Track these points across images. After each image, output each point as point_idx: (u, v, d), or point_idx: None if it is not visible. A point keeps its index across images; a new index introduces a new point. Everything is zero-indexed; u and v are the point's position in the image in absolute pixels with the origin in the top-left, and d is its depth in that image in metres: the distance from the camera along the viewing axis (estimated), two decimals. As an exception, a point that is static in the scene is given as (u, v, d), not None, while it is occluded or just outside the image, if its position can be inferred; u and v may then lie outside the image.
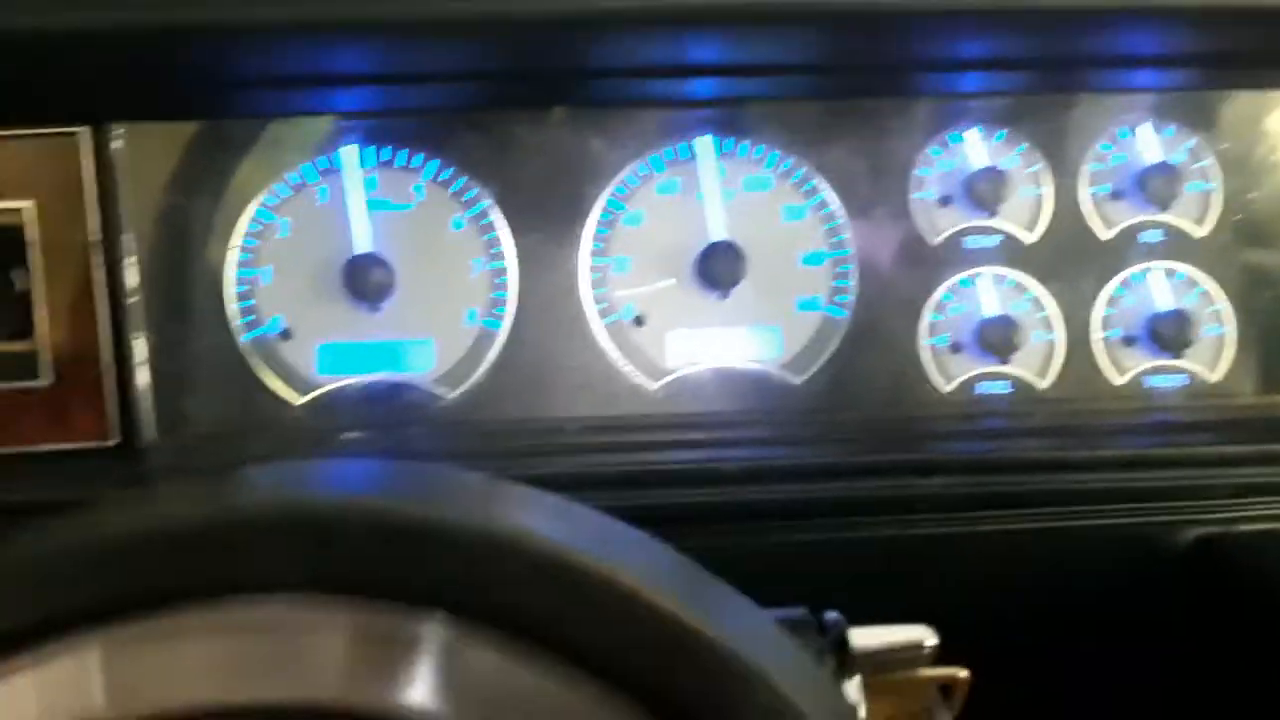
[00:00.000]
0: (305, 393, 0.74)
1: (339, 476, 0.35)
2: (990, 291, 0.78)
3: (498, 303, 0.75)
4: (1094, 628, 0.73)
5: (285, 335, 0.74)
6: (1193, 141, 0.78)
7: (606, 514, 0.37)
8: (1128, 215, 0.78)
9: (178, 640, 0.28)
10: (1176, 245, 0.78)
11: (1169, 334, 0.77)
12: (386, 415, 0.74)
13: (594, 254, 0.76)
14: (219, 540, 0.28)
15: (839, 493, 0.68)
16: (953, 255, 0.78)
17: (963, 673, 0.50)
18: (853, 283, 0.77)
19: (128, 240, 0.71)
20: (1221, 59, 0.76)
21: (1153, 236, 0.78)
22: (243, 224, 0.73)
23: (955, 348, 0.77)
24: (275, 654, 0.28)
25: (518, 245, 0.75)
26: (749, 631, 0.31)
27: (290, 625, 0.28)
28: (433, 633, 0.28)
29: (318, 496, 0.30)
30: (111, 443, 0.70)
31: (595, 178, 0.76)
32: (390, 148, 0.74)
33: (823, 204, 0.77)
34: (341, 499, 0.30)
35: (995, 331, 0.77)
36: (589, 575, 0.29)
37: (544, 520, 0.32)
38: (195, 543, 0.28)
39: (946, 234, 0.78)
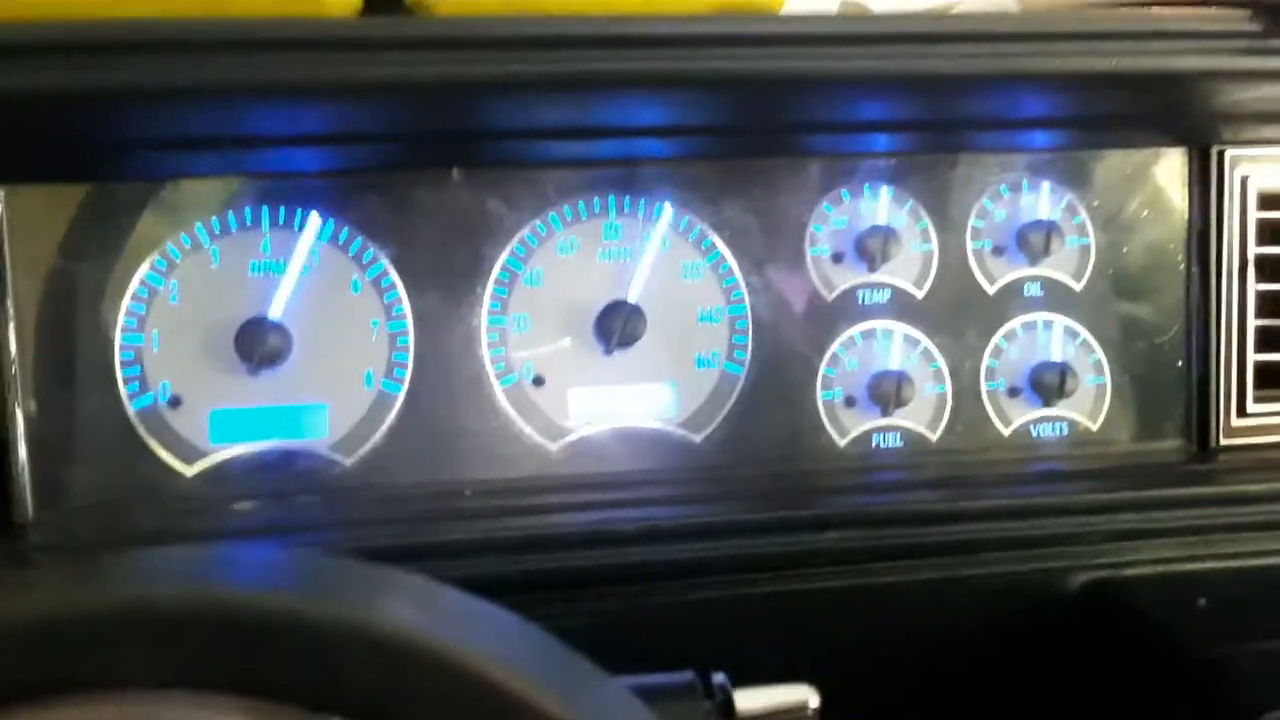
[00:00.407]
0: (195, 461, 0.72)
1: (225, 568, 0.34)
2: (883, 346, 0.80)
3: (397, 364, 0.75)
4: (986, 675, 0.75)
5: (174, 403, 0.72)
6: (1068, 199, 0.82)
7: (496, 605, 0.36)
8: (1010, 270, 0.82)
9: None
10: (1056, 298, 0.82)
11: (1051, 384, 0.80)
12: (281, 483, 0.73)
13: (492, 314, 0.76)
14: (129, 631, 0.27)
15: (735, 550, 0.69)
16: (846, 310, 0.80)
17: (845, 731, 0.50)
18: (749, 339, 0.79)
19: (8, 306, 0.69)
20: (1094, 121, 0.80)
21: (1034, 290, 0.82)
22: (131, 288, 0.72)
23: (849, 401, 0.79)
24: None
25: (416, 306, 0.75)
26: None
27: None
28: None
29: (229, 593, 0.29)
30: (-14, 520, 0.68)
31: (494, 238, 0.76)
32: (286, 208, 0.74)
33: (720, 261, 0.79)
34: (252, 599, 0.29)
35: (888, 385, 0.79)
36: (489, 686, 0.29)
37: (441, 620, 0.31)
38: (86, 633, 0.27)
39: (840, 290, 0.80)
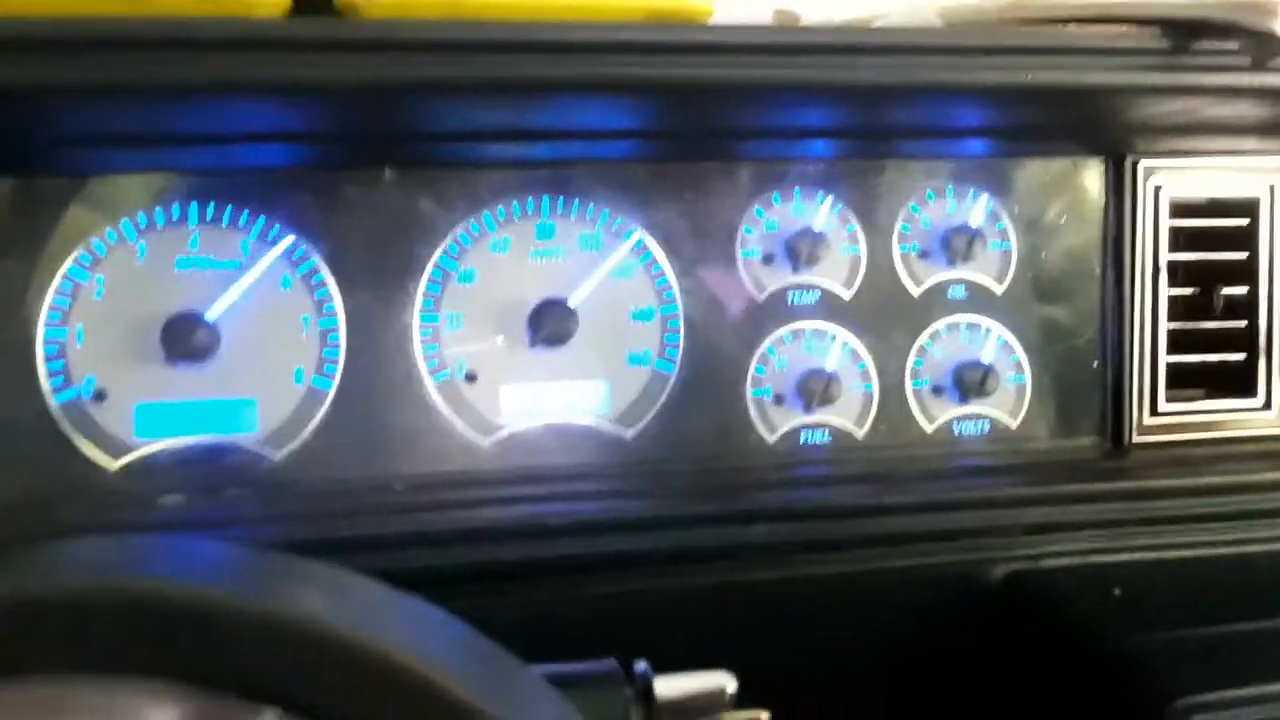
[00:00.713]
0: (120, 456, 0.72)
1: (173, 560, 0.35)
2: (811, 345, 0.82)
3: (328, 361, 0.75)
4: (909, 663, 0.77)
5: (99, 397, 0.71)
6: (991, 205, 0.84)
7: (412, 596, 0.37)
8: (935, 273, 0.84)
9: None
10: (979, 300, 0.84)
11: (973, 383, 0.82)
12: (208, 478, 0.73)
13: (425, 311, 0.76)
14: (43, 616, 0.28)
15: (665, 543, 0.70)
16: (776, 311, 0.82)
17: (764, 715, 0.52)
18: (681, 338, 0.80)
19: (-72, 299, 0.68)
20: (1015, 131, 0.82)
21: (958, 292, 0.84)
22: (55, 282, 0.71)
23: (778, 399, 0.81)
24: None
25: (347, 304, 0.75)
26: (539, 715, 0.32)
27: (124, 708, 0.28)
28: None
29: (139, 582, 0.30)
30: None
31: (426, 237, 0.76)
32: (215, 205, 0.73)
33: (652, 262, 0.80)
34: (172, 587, 0.29)
35: (816, 383, 0.80)
36: (400, 672, 0.29)
37: (355, 610, 0.32)
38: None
39: (770, 290, 0.81)
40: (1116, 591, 0.74)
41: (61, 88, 0.57)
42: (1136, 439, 0.85)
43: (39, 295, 0.71)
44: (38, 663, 0.28)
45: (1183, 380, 0.86)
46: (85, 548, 0.33)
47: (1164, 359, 0.85)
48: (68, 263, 0.71)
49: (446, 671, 0.29)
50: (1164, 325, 0.85)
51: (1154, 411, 0.85)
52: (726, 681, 0.50)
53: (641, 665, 0.50)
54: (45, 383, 0.71)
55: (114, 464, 0.72)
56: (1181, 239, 0.85)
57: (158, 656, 0.28)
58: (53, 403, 0.71)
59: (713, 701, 0.49)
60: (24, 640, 0.27)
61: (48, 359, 0.71)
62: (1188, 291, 0.85)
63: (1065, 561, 0.78)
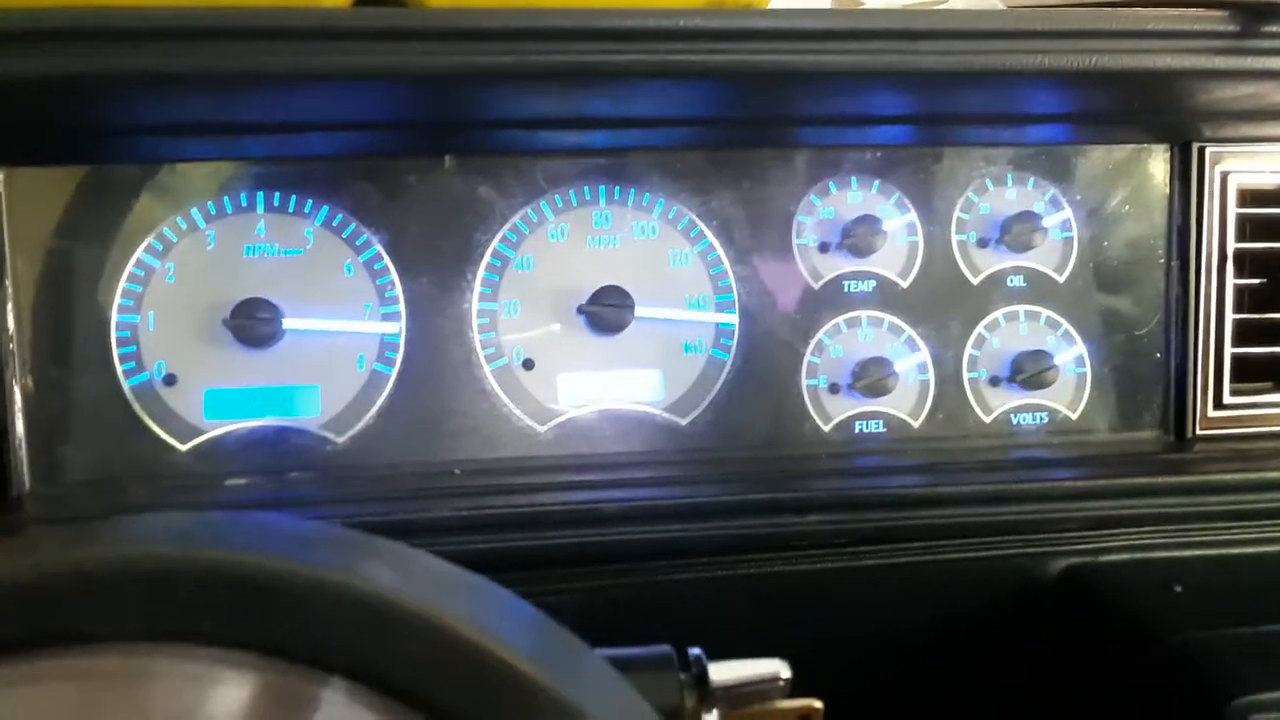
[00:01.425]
0: (190, 439, 0.74)
1: (242, 533, 0.36)
2: (867, 334, 0.81)
3: (389, 346, 0.76)
4: (963, 657, 0.77)
5: (169, 381, 0.73)
6: (1052, 192, 0.83)
7: (483, 569, 0.38)
8: (994, 261, 0.83)
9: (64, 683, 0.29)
10: (1039, 290, 0.83)
11: (1032, 374, 0.81)
12: (273, 461, 0.74)
13: (483, 298, 0.77)
14: (129, 587, 0.29)
15: (718, 531, 0.70)
16: (832, 299, 0.81)
17: (817, 704, 0.52)
18: (736, 326, 0.80)
19: (7, 284, 0.71)
20: (1078, 117, 0.81)
21: (1017, 281, 0.83)
22: (127, 268, 0.73)
23: (834, 388, 0.81)
24: (174, 699, 0.29)
25: (408, 290, 0.76)
26: (600, 693, 0.33)
27: (200, 675, 0.29)
28: (330, 696, 0.29)
29: (218, 552, 0.31)
30: (-15, 492, 0.69)
31: (485, 224, 0.77)
32: (281, 193, 0.75)
33: (708, 249, 0.80)
34: (240, 558, 0.30)
35: (871, 372, 0.80)
36: (466, 644, 0.30)
37: (422, 583, 0.33)
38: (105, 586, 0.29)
39: (826, 279, 0.81)
40: (1177, 588, 0.73)
41: (132, 77, 0.59)
42: (1199, 432, 0.84)
43: (112, 281, 0.73)
44: (118, 631, 0.29)
45: (1248, 373, 0.84)
46: (163, 520, 0.34)
47: (1229, 350, 0.83)
48: (140, 250, 0.73)
49: (512, 646, 0.30)
50: (1229, 316, 0.83)
51: (1218, 404, 0.84)
52: (781, 669, 0.50)
53: (696, 650, 0.51)
54: (118, 366, 0.73)
55: (183, 446, 0.74)
56: (1249, 227, 0.83)
57: (233, 626, 0.29)
58: (125, 386, 0.73)
59: (767, 688, 0.50)
60: (105, 609, 0.28)
61: (120, 344, 0.73)
62: (1255, 282, 0.83)
63: (1124, 556, 0.77)
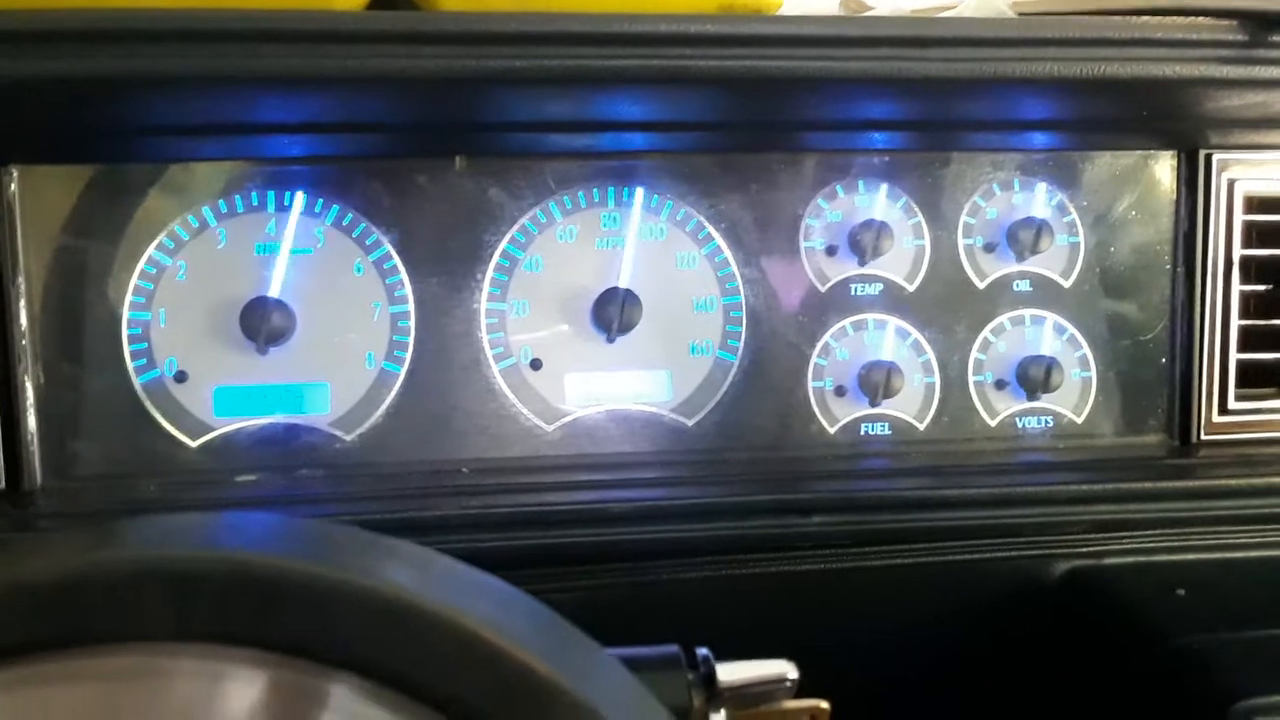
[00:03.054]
0: (200, 435, 0.74)
1: (257, 533, 0.36)
2: (873, 337, 0.82)
3: (398, 345, 0.77)
4: (967, 658, 0.77)
5: (180, 378, 0.74)
6: (1059, 198, 0.84)
7: (495, 568, 0.38)
8: (1000, 266, 0.83)
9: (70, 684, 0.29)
10: (1044, 294, 0.84)
11: (1037, 378, 0.82)
12: (283, 458, 0.75)
13: (491, 299, 0.78)
14: (136, 588, 0.29)
15: (724, 532, 0.71)
16: (839, 302, 0.82)
17: (824, 704, 0.52)
18: (743, 328, 0.80)
19: (19, 282, 0.71)
20: (1085, 124, 0.81)
21: (1023, 286, 0.83)
22: (138, 266, 0.74)
23: (839, 391, 0.81)
24: (195, 698, 0.29)
25: (417, 290, 0.77)
26: (613, 692, 0.33)
27: (218, 673, 0.30)
28: (340, 691, 0.30)
29: (241, 553, 0.31)
30: (-3, 487, 0.70)
31: (494, 225, 0.78)
32: (291, 193, 0.75)
33: (716, 252, 0.80)
34: (263, 559, 0.31)
35: (878, 375, 0.80)
36: (481, 643, 0.30)
37: (437, 584, 0.33)
38: (114, 586, 0.29)
39: (833, 282, 0.82)
40: (1180, 591, 0.73)
41: (146, 79, 0.60)
42: (1204, 437, 0.84)
43: (124, 278, 0.74)
44: (140, 631, 0.30)
45: (1253, 378, 0.84)
46: (184, 521, 0.34)
47: (1234, 356, 0.83)
48: (151, 247, 0.74)
49: (529, 646, 0.30)
50: (1235, 322, 0.83)
51: (1223, 410, 0.84)
52: (788, 669, 0.51)
53: (703, 650, 0.51)
54: (130, 363, 0.74)
55: (193, 442, 0.74)
56: (1255, 234, 0.83)
57: (254, 626, 0.30)
58: (137, 382, 0.74)
59: (774, 689, 0.50)
60: (128, 610, 0.29)
61: (132, 340, 0.74)
62: (1260, 288, 0.84)
63: (1128, 560, 0.77)
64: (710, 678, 0.49)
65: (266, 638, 0.29)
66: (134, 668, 0.29)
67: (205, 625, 0.29)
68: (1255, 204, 0.83)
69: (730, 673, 0.49)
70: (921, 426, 0.82)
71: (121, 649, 0.29)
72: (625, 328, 0.78)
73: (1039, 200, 0.83)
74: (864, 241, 0.80)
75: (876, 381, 0.80)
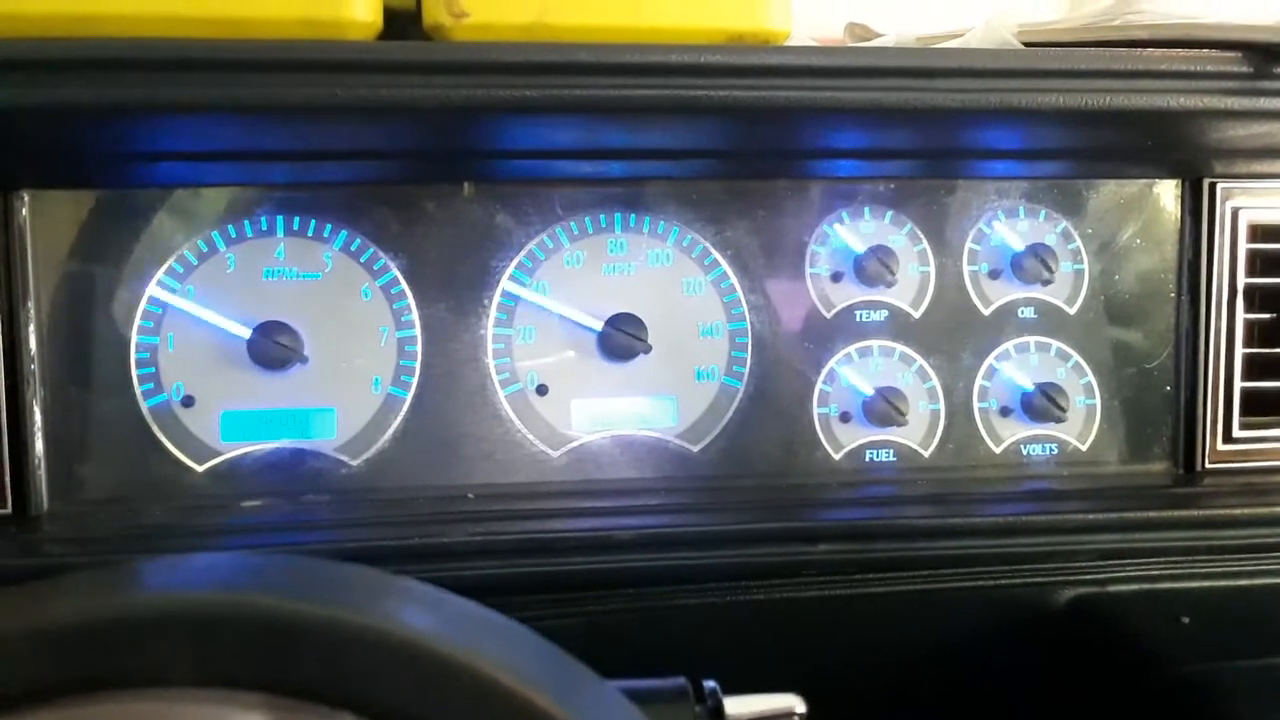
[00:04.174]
0: (206, 460, 0.75)
1: (259, 575, 0.36)
2: (878, 364, 0.82)
3: (404, 370, 0.77)
4: (972, 687, 0.77)
5: (187, 402, 0.74)
6: (1063, 225, 0.84)
7: (502, 615, 0.38)
8: (1005, 293, 0.83)
9: None
10: (1049, 322, 0.84)
11: (1042, 405, 0.82)
12: (289, 483, 0.75)
13: (498, 324, 0.78)
14: (135, 635, 0.29)
15: (730, 559, 0.71)
16: (844, 328, 0.82)
17: (832, 738, 0.52)
18: (749, 354, 0.81)
19: (29, 306, 0.72)
20: (1089, 153, 0.82)
21: (1028, 313, 0.84)
22: (147, 290, 0.74)
23: (844, 417, 0.81)
24: None
25: (424, 315, 0.77)
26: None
27: (224, 718, 0.30)
28: None
29: (260, 597, 0.31)
30: (3, 511, 0.70)
31: (501, 250, 0.78)
32: (300, 218, 0.76)
33: (722, 278, 0.81)
34: (281, 603, 0.31)
35: (883, 402, 0.81)
36: (497, 688, 0.30)
37: (432, 620, 0.33)
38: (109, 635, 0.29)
39: (838, 308, 0.82)
40: (1185, 619, 0.73)
41: (159, 107, 0.60)
42: (1209, 465, 0.84)
43: (133, 303, 0.74)
44: (158, 677, 0.30)
45: (1257, 407, 0.84)
46: (201, 563, 0.34)
47: (1239, 384, 0.84)
48: (160, 272, 0.74)
49: (537, 686, 0.30)
50: (1239, 350, 0.83)
51: (1227, 438, 0.84)
52: (795, 703, 0.51)
53: (710, 683, 0.51)
54: (137, 388, 0.74)
55: (200, 467, 0.74)
56: (1259, 263, 0.84)
57: (270, 669, 0.30)
58: (144, 407, 0.74)
59: (781, 723, 0.50)
60: (147, 655, 0.29)
61: (139, 365, 0.74)
62: (1265, 316, 0.84)
63: (1133, 588, 0.77)
64: (718, 711, 0.49)
65: (279, 681, 0.29)
66: (151, 714, 0.29)
67: (222, 669, 0.29)
68: (1259, 232, 0.84)
69: (738, 706, 0.49)
70: (926, 453, 0.82)
71: (140, 694, 0.29)
72: (631, 354, 0.78)
73: (1044, 228, 0.84)
74: (869, 268, 0.81)
75: (882, 408, 0.80)
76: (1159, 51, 0.66)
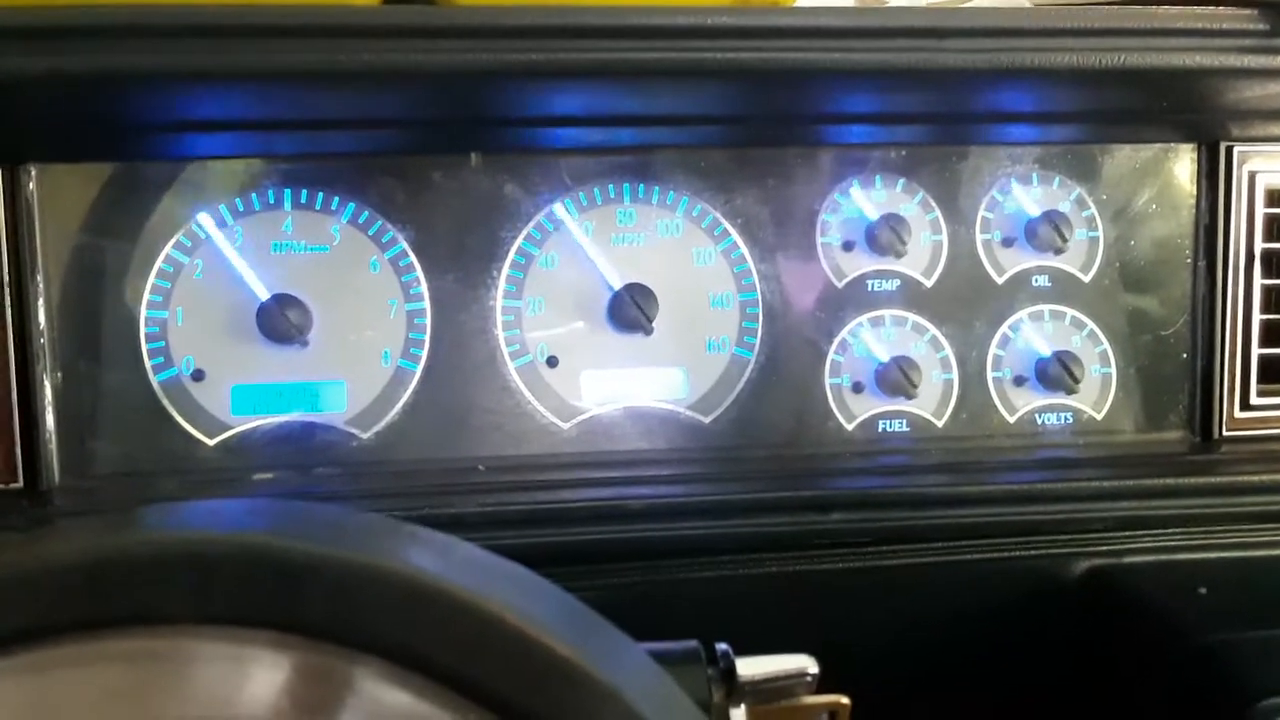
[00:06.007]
0: (217, 433, 0.75)
1: (284, 520, 0.36)
2: (891, 333, 0.81)
3: (414, 343, 0.77)
4: (987, 656, 0.76)
5: (197, 376, 0.74)
6: (1077, 192, 0.83)
7: (514, 561, 0.38)
8: (1019, 261, 0.83)
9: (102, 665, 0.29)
10: (1064, 289, 0.83)
11: (1057, 374, 0.81)
12: (299, 456, 0.75)
13: (507, 295, 0.78)
14: (164, 571, 0.29)
15: (741, 529, 0.71)
16: (856, 298, 0.81)
17: (844, 700, 0.52)
18: (760, 324, 0.80)
19: (38, 280, 0.72)
20: (1103, 116, 0.81)
21: (1042, 281, 0.83)
22: (156, 264, 0.74)
23: (857, 387, 0.81)
24: (218, 680, 0.29)
25: (433, 287, 0.77)
26: (635, 676, 0.33)
27: (234, 655, 0.30)
28: (364, 674, 0.30)
29: (261, 536, 0.31)
30: (14, 485, 0.70)
31: (510, 221, 0.78)
32: (308, 190, 0.76)
33: (732, 248, 0.80)
34: (283, 542, 0.31)
35: (895, 371, 0.80)
36: (503, 626, 0.30)
37: (459, 569, 0.33)
38: (138, 572, 0.29)
39: (850, 277, 0.81)
40: (1201, 589, 0.72)
41: (163, 74, 0.60)
42: (1226, 433, 0.83)
43: (141, 277, 0.74)
44: (169, 614, 0.30)
45: (1275, 374, 0.83)
46: (211, 507, 0.34)
47: (1256, 351, 0.83)
48: (169, 246, 0.74)
49: (553, 631, 0.30)
50: (1256, 316, 0.83)
51: (1245, 405, 0.83)
52: (808, 664, 0.50)
53: (723, 646, 0.51)
54: (147, 362, 0.74)
55: (211, 441, 0.74)
56: (1276, 227, 0.83)
57: (280, 609, 0.30)
58: (154, 381, 0.74)
59: (794, 684, 0.50)
60: (158, 592, 0.29)
61: (149, 339, 0.74)
62: (1283, 282, 0.83)
63: (1149, 558, 0.77)
64: (730, 672, 0.49)
65: (286, 621, 0.29)
66: (157, 650, 0.29)
67: (225, 608, 0.29)
68: (1276, 197, 0.82)
69: (750, 667, 0.49)
70: (940, 423, 0.82)
71: (143, 631, 0.29)
72: (641, 324, 0.78)
73: (1058, 194, 0.83)
74: (881, 237, 0.80)
75: (894, 378, 0.80)
76: (1173, 9, 0.66)
